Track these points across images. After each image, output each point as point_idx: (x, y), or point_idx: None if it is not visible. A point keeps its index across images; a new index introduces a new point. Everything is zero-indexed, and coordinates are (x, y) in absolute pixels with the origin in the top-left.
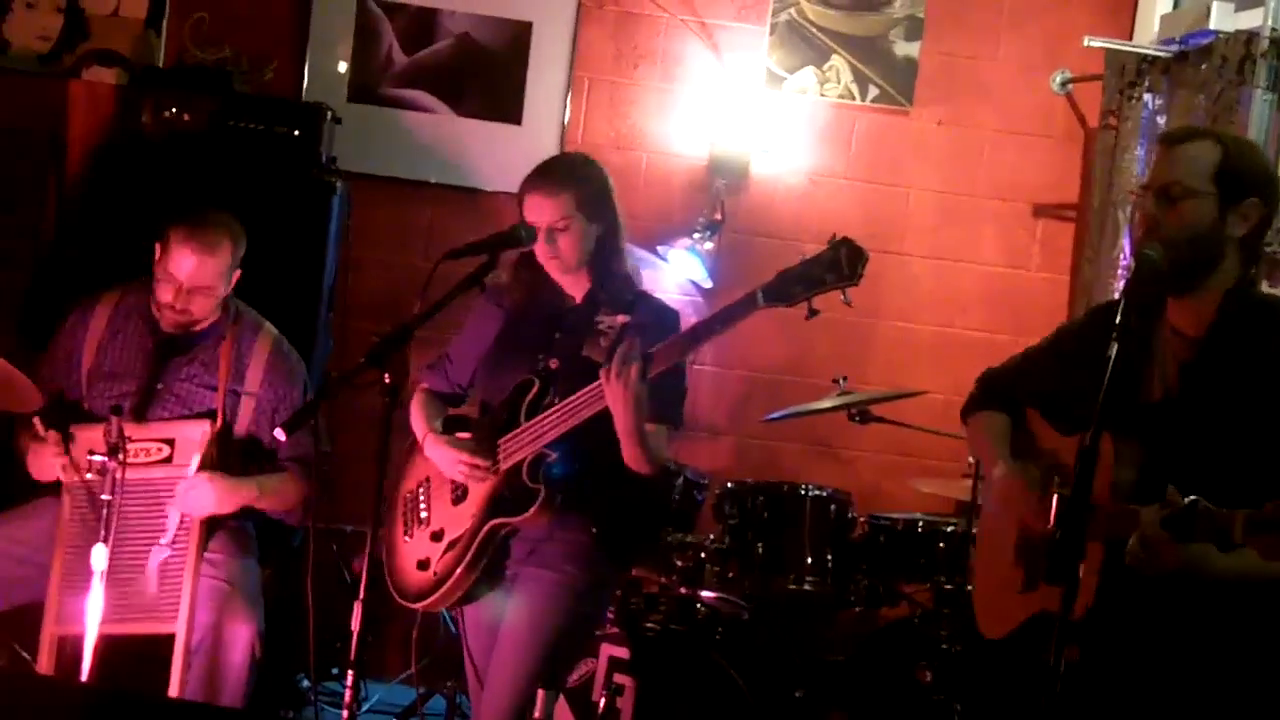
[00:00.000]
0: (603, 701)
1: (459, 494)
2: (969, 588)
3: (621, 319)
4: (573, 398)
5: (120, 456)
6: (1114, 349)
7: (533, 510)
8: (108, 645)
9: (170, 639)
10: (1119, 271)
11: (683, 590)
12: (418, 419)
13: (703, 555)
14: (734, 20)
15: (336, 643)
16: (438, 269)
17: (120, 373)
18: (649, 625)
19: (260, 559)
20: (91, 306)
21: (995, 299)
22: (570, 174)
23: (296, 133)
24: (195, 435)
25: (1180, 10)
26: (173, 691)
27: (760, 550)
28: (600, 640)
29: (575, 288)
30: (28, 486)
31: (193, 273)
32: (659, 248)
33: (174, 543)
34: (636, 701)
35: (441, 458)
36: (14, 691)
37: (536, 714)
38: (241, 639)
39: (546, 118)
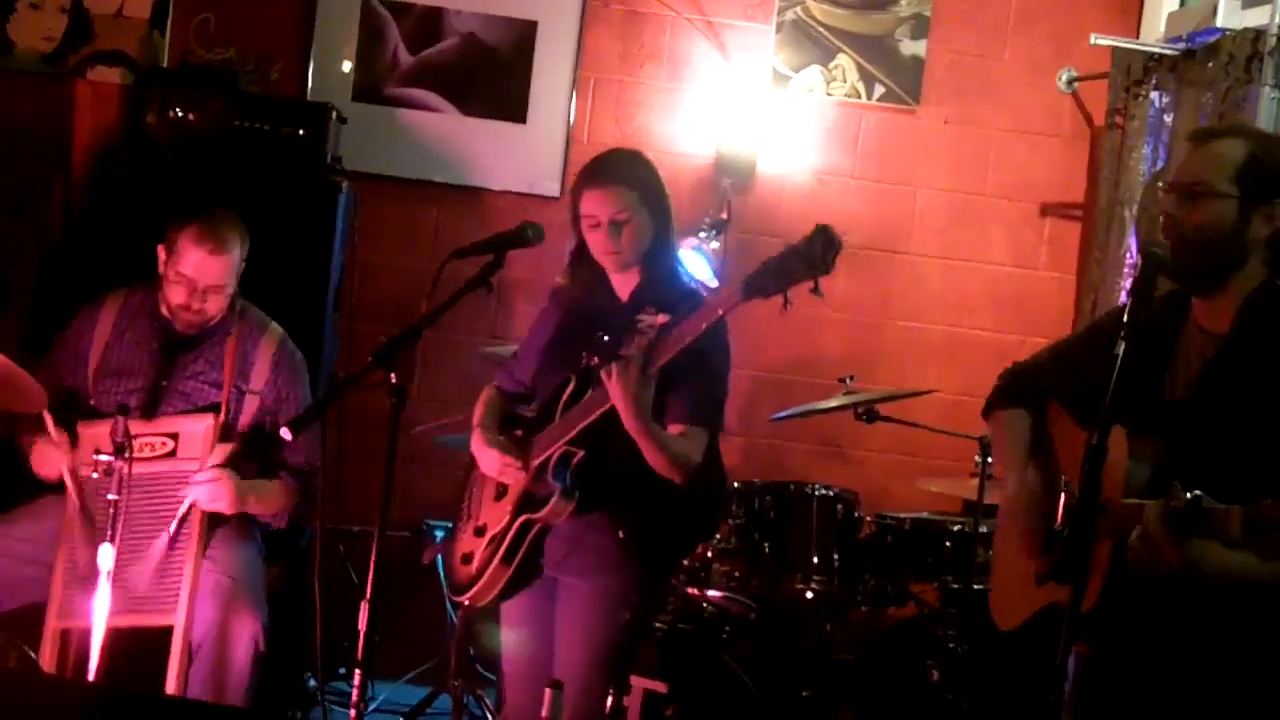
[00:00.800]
0: (610, 701)
1: (500, 490)
2: (976, 586)
3: (662, 319)
4: (589, 395)
5: (127, 455)
6: (1121, 347)
7: (549, 507)
8: (111, 640)
9: (171, 634)
10: (1125, 270)
11: (690, 590)
12: (476, 416)
13: (709, 555)
14: (740, 19)
15: (344, 642)
16: (444, 269)
17: (127, 370)
18: (657, 625)
19: (267, 558)
20: (98, 307)
21: (1003, 298)
22: (632, 169)
23: (302, 133)
24: (199, 430)
25: (1187, 8)
26: (171, 683)
27: (767, 550)
28: None
29: (624, 286)
30: (32, 486)
31: (208, 272)
32: None
33: (177, 533)
34: (644, 701)
35: (481, 455)
36: (20, 690)
37: (544, 714)
38: (245, 634)
39: (552, 117)
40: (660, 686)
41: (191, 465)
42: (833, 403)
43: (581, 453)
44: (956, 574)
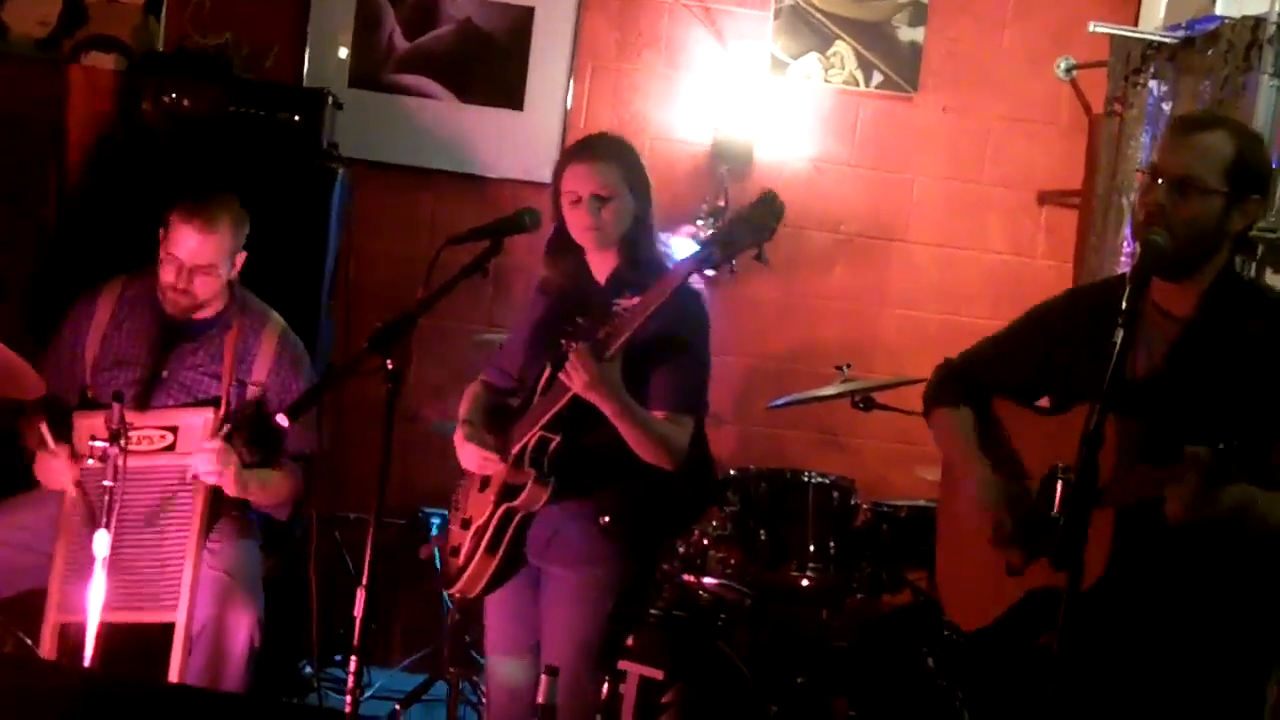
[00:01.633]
0: (605, 687)
1: (484, 482)
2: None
3: (636, 301)
4: (557, 381)
5: (122, 443)
6: (1120, 334)
7: (524, 494)
8: (110, 632)
9: (171, 627)
10: (1122, 259)
11: (686, 577)
12: (460, 411)
13: (705, 542)
14: (738, 6)
15: (340, 629)
16: (440, 255)
17: (125, 360)
18: (652, 612)
19: (264, 547)
20: (96, 295)
21: (1000, 287)
22: (616, 149)
23: (297, 119)
24: (198, 423)
25: None
26: (173, 678)
27: (763, 537)
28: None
29: (601, 269)
30: (31, 475)
31: (194, 251)
32: (663, 234)
33: (178, 516)
34: (639, 688)
35: (460, 451)
36: (17, 677)
37: (540, 699)
38: (242, 628)
39: (549, 104)
40: (656, 673)
41: (190, 459)
42: (830, 391)
43: (557, 439)
44: None
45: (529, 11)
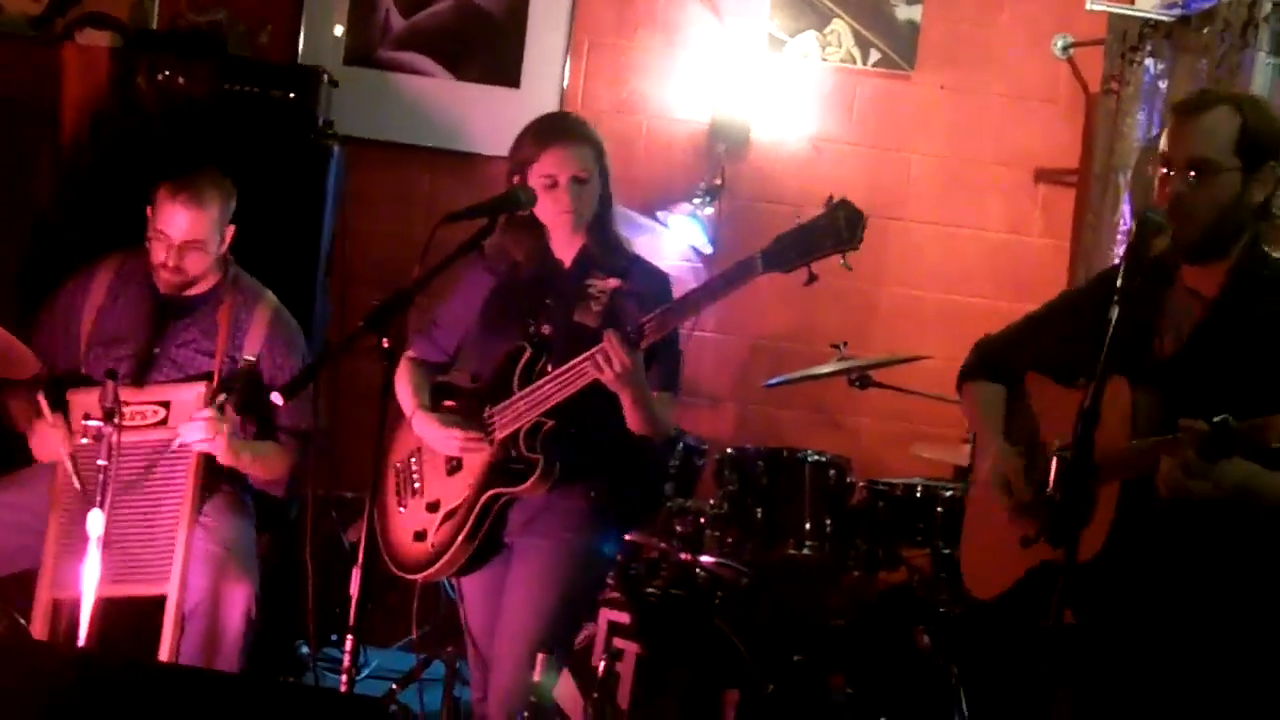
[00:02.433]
0: (602, 665)
1: (454, 464)
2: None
3: (613, 283)
4: (569, 365)
5: (116, 421)
6: (1115, 312)
7: (532, 480)
8: (104, 609)
9: (165, 601)
10: (1119, 237)
11: (683, 556)
12: (404, 392)
13: (702, 521)
14: None
15: (335, 609)
16: (436, 233)
17: (119, 337)
18: (649, 590)
19: (259, 526)
20: (91, 273)
21: (997, 264)
22: (589, 130)
23: (292, 96)
24: (190, 398)
25: None
26: (165, 653)
27: (760, 516)
28: (600, 605)
29: (566, 251)
30: (24, 452)
31: (183, 227)
32: (659, 213)
33: (171, 488)
34: (636, 666)
35: (432, 435)
36: (11, 657)
37: (536, 677)
38: (237, 602)
39: (546, 81)
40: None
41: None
42: (826, 369)
43: (551, 423)
44: (948, 540)
45: None
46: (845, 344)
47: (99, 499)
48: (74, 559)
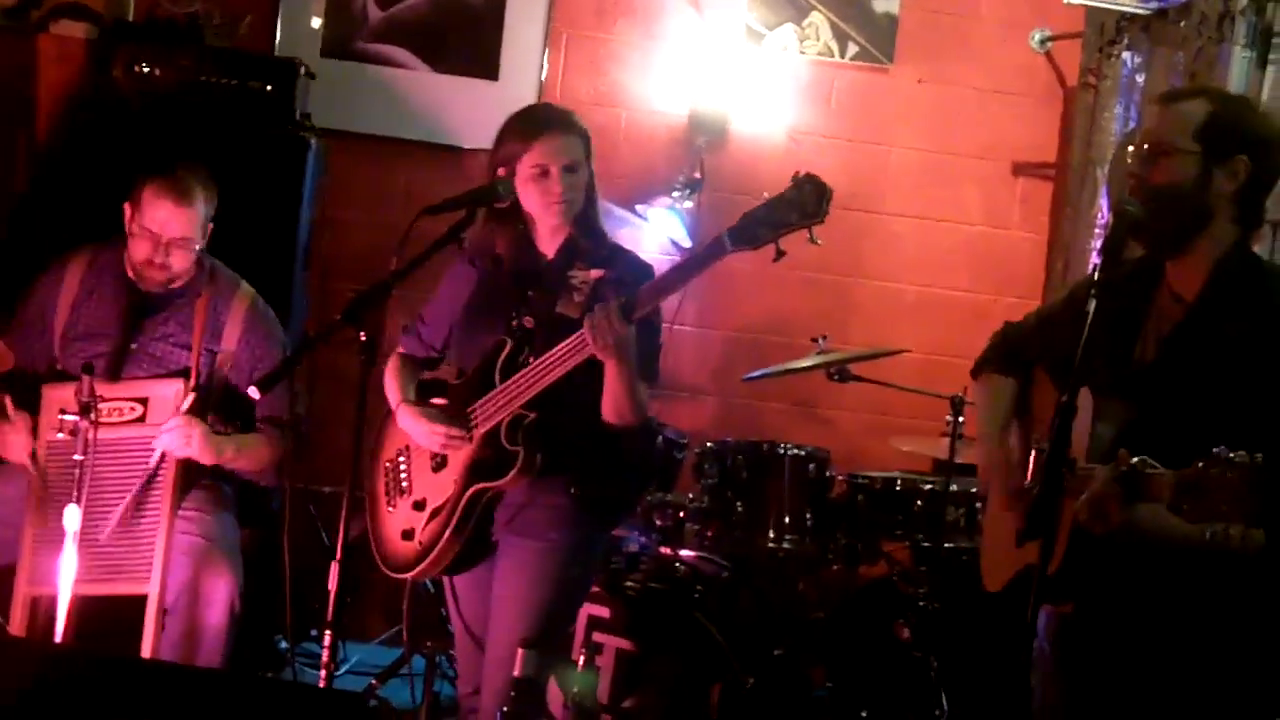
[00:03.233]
0: (582, 660)
1: (438, 462)
2: (948, 545)
3: (596, 273)
4: (547, 354)
5: (92, 416)
6: (1092, 304)
7: (513, 473)
8: (83, 605)
9: (145, 600)
10: (1096, 230)
11: (663, 549)
12: (391, 388)
13: (682, 514)
14: None
15: (314, 604)
16: (415, 225)
17: (94, 332)
18: (629, 584)
19: (239, 521)
20: (64, 265)
21: (975, 257)
22: (575, 120)
23: (270, 88)
24: (169, 394)
25: None
26: (146, 649)
27: (740, 509)
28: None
29: (549, 243)
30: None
31: (171, 225)
32: (638, 206)
33: (150, 489)
34: (616, 660)
35: (416, 429)
36: None
37: (516, 673)
38: (220, 595)
39: (524, 73)
40: (628, 645)
41: (158, 440)
42: (806, 362)
43: (533, 415)
44: (928, 533)
45: None
46: (825, 337)
47: (75, 495)
48: (51, 555)
